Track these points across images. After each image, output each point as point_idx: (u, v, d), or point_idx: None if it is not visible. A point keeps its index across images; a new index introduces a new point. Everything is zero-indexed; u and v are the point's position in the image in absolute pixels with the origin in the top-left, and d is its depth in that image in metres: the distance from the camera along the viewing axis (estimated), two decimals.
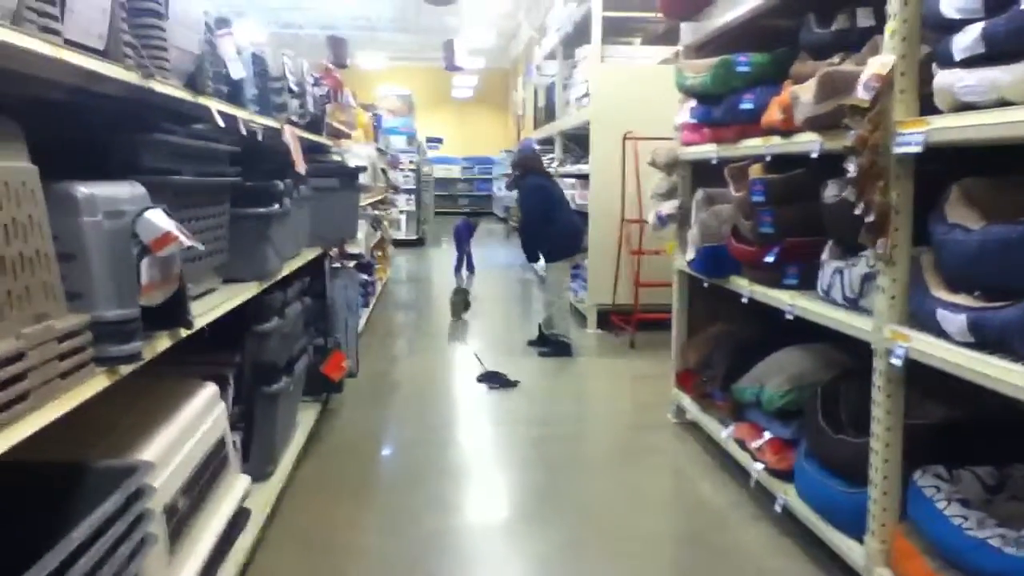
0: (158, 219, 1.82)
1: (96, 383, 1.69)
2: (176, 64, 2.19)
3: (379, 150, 10.06)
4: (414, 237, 16.06)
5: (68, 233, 1.69)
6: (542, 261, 7.11)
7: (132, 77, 1.91)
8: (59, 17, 1.59)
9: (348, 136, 6.86)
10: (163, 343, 2.07)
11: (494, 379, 5.99)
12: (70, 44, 1.65)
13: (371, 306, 8.44)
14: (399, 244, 14.55)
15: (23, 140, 1.62)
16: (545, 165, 7.28)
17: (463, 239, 11.82)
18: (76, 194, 1.73)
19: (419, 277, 12.55)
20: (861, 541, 2.82)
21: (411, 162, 15.85)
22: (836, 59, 3.15)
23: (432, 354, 7.18)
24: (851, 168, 2.63)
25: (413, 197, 15.82)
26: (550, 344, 6.86)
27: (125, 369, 1.81)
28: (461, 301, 8.48)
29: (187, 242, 1.86)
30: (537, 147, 9.29)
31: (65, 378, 1.56)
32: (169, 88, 2.15)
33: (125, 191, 1.89)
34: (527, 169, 6.99)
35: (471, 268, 11.83)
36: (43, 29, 1.52)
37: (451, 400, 5.69)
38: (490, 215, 22.98)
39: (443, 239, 17.14)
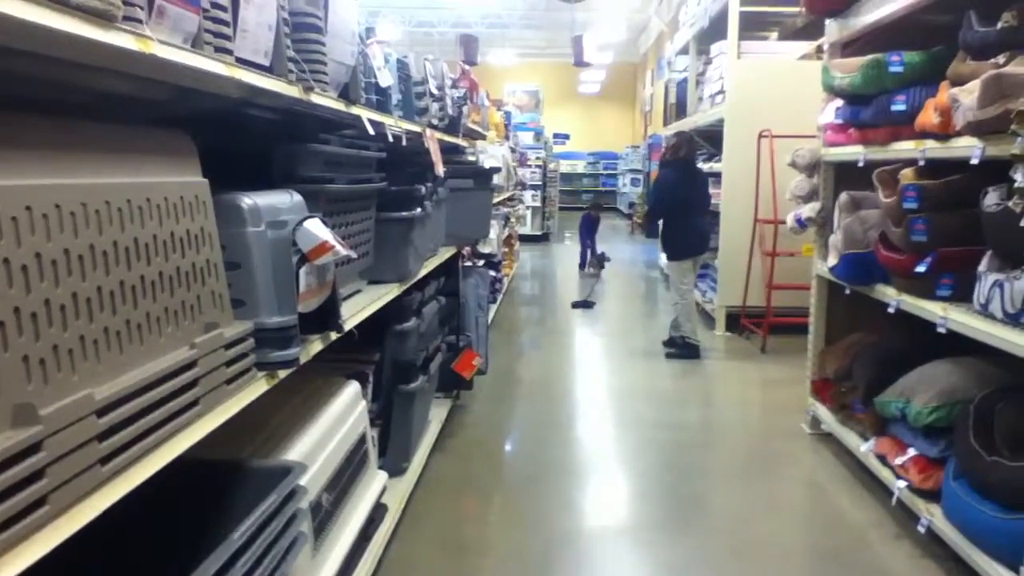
0: (316, 228, 1.88)
1: (257, 387, 1.77)
2: (332, 76, 2.25)
3: (511, 149, 10.16)
4: (539, 232, 16.11)
5: (233, 243, 1.77)
6: (665, 258, 7.00)
7: (294, 91, 1.98)
8: (232, 37, 1.67)
9: (483, 137, 6.94)
10: (316, 347, 2.14)
11: (580, 304, 8.93)
12: (240, 62, 1.72)
13: (498, 301, 8.53)
14: (524, 239, 14.63)
15: (196, 155, 1.70)
16: (694, 153, 7.08)
17: (587, 234, 11.84)
18: (242, 205, 1.80)
19: (544, 272, 12.59)
20: (1017, 571, 2.66)
21: (538, 158, 15.90)
22: (1001, 59, 2.97)
23: (557, 351, 7.19)
24: (1019, 177, 2.48)
25: (539, 193, 15.86)
26: (676, 346, 6.76)
27: (283, 373, 1.88)
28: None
29: (343, 251, 1.91)
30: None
31: (231, 383, 1.63)
32: (327, 100, 2.22)
33: (285, 201, 1.96)
34: (672, 156, 6.79)
35: (601, 259, 11.67)
36: (218, 50, 1.59)
37: (576, 399, 5.68)
38: (614, 211, 22.83)
39: (567, 234, 17.15)
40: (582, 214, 12.35)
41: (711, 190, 8.01)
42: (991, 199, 2.97)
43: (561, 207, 20.11)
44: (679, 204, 6.60)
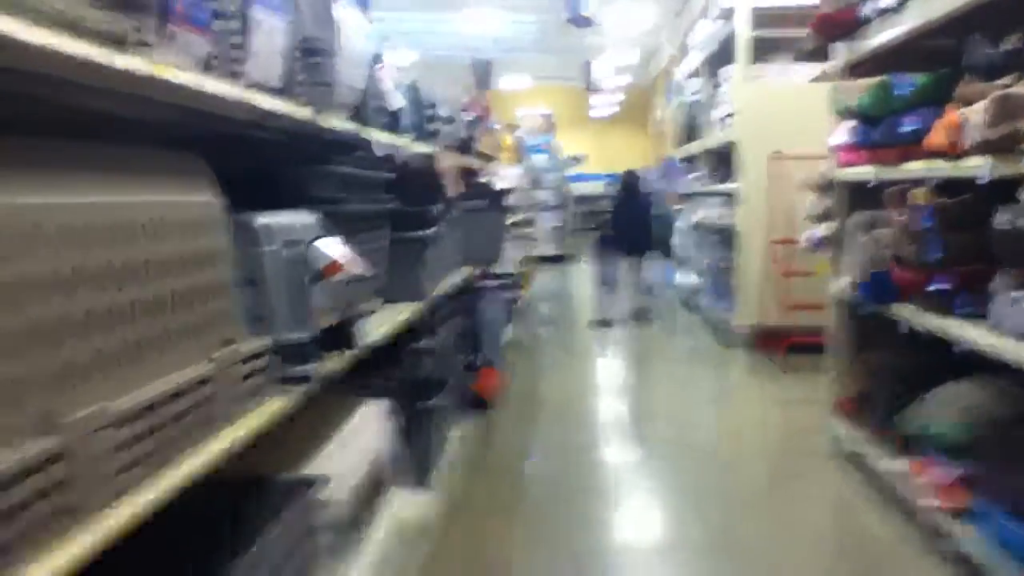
0: (330, 247, 1.91)
1: (275, 402, 1.79)
2: (343, 98, 2.29)
3: (525, 170, 10.21)
4: (555, 254, 16.12)
5: (250, 261, 1.80)
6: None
7: (306, 114, 2.02)
8: (243, 61, 1.70)
9: (496, 159, 6.99)
10: (333, 363, 2.17)
11: (599, 324, 9.06)
12: (252, 85, 1.76)
13: (515, 322, 8.54)
14: (541, 260, 14.65)
15: (211, 176, 1.73)
16: (636, 182, 9.65)
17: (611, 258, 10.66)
18: (256, 225, 1.84)
19: (560, 293, 12.59)
20: None
21: (553, 180, 15.94)
22: (1008, 80, 2.99)
23: (574, 370, 7.19)
24: None
25: (555, 214, 15.88)
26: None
27: (300, 388, 1.90)
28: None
29: (356, 269, 1.94)
30: (678, 164, 11.43)
31: (248, 398, 1.66)
32: (338, 122, 2.26)
33: (299, 221, 2.00)
34: (619, 186, 9.73)
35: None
36: (229, 73, 1.63)
37: (594, 418, 5.68)
38: None
39: (583, 256, 17.16)
40: (599, 235, 11.22)
41: (725, 209, 8.07)
42: (1003, 217, 2.96)
43: (577, 228, 20.13)
44: (618, 218, 9.28)
